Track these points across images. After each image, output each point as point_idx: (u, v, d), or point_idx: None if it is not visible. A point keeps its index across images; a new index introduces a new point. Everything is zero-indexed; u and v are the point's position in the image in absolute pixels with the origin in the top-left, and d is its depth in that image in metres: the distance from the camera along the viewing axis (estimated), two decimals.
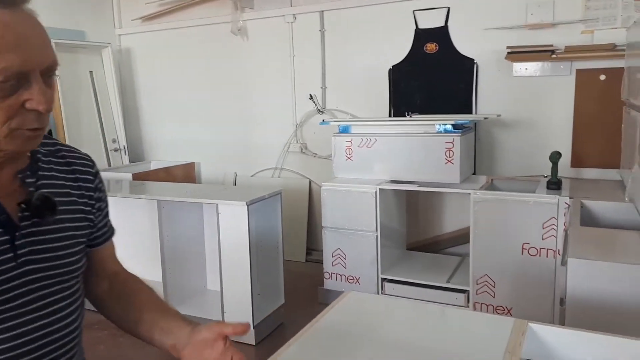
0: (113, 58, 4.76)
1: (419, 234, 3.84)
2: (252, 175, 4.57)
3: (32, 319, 0.83)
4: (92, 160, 1.00)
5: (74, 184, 0.94)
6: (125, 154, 4.85)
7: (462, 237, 3.55)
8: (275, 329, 3.15)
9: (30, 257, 0.83)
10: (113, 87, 4.77)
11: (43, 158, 0.90)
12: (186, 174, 4.62)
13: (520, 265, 2.75)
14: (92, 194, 0.96)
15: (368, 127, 3.35)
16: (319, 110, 4.16)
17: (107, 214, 1.03)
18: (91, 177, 0.97)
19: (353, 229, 3.27)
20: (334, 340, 1.24)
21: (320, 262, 3.51)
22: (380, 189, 3.16)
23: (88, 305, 1.00)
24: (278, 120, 4.35)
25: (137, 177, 4.04)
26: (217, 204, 2.92)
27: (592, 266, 1.71)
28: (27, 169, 0.87)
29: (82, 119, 4.55)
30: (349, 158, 3.37)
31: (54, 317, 0.87)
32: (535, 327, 1.27)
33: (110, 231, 1.06)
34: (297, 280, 3.79)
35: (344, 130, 3.39)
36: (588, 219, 2.43)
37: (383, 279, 3.25)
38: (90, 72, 4.67)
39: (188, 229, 3.42)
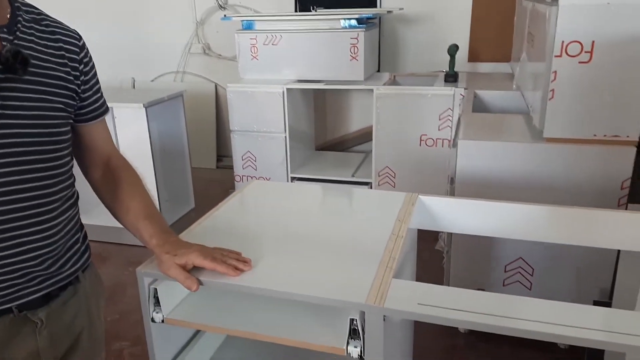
0: None
1: (327, 134, 3.90)
2: (152, 80, 4.31)
3: (6, 182, 0.83)
4: (79, 35, 0.97)
5: (55, 52, 0.91)
6: None
7: (367, 135, 3.65)
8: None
9: (2, 111, 0.81)
10: None
11: (25, 23, 0.88)
12: None
13: (418, 155, 2.92)
14: (76, 65, 0.94)
15: (273, 22, 3.21)
16: (220, 6, 3.91)
17: (97, 91, 1.01)
18: (76, 50, 0.95)
19: (262, 131, 3.25)
20: (238, 223, 1.25)
21: (232, 167, 3.49)
22: (287, 88, 3.12)
23: None
24: (177, 18, 4.04)
25: None
26: (111, 108, 2.74)
27: (480, 146, 1.85)
28: (5, 27, 0.85)
29: None
30: (254, 57, 3.25)
31: (29, 177, 0.86)
32: (424, 198, 1.36)
33: (102, 109, 1.03)
34: (208, 187, 3.76)
35: (248, 27, 3.23)
36: (480, 107, 2.59)
37: (293, 178, 3.32)
38: None
39: None
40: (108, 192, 1.05)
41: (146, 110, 2.70)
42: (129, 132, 2.78)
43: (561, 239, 1.25)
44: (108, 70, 4.38)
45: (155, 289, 1.02)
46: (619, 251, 1.50)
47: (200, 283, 0.96)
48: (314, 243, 1.13)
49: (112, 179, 1.05)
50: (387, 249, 1.09)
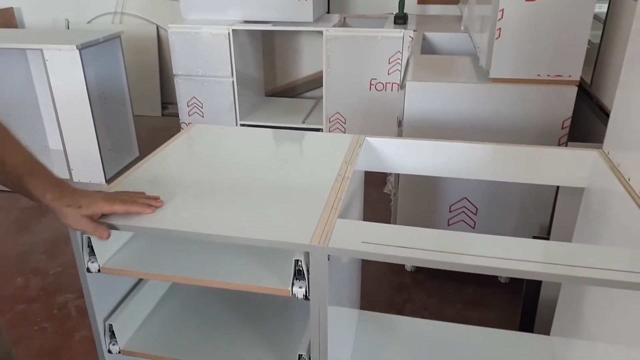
0: None
1: (277, 80, 3.80)
2: (87, 22, 4.01)
3: None
4: None
5: None
6: None
7: (317, 80, 3.58)
8: None
9: None
10: None
11: None
12: (4, 22, 3.90)
13: (368, 100, 2.89)
14: None
15: None
16: None
17: None
18: None
19: (207, 76, 3.12)
20: (178, 169, 1.20)
21: (178, 115, 3.36)
22: (233, 29, 2.98)
23: None
24: None
25: None
26: (41, 50, 2.53)
27: (427, 87, 1.83)
28: None
29: None
30: None
31: None
32: (371, 140, 1.34)
33: None
34: (153, 135, 3.62)
35: None
36: (428, 49, 2.56)
37: (242, 125, 3.23)
38: None
39: (15, 84, 2.99)
40: None
41: (80, 52, 2.51)
42: (63, 77, 2.59)
43: (504, 176, 1.28)
44: (38, 10, 4.05)
45: (89, 238, 0.97)
46: (557, 188, 1.55)
47: (114, 228, 0.92)
48: (257, 187, 1.10)
49: None
50: (333, 190, 1.07)
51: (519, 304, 1.73)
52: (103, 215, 0.92)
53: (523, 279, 1.69)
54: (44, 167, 0.91)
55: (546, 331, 1.46)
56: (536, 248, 0.88)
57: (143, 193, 0.99)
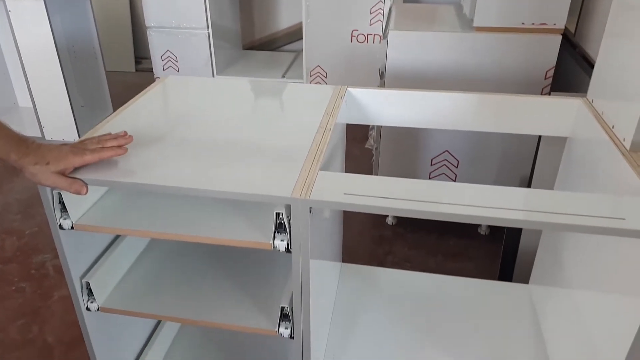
0: None
1: (255, 32, 3.68)
2: None
3: None
4: None
5: None
6: None
7: (297, 32, 3.48)
8: None
9: None
10: None
11: None
12: None
13: (349, 52, 2.82)
14: None
15: None
16: None
17: None
18: None
19: (182, 27, 2.99)
20: (152, 122, 1.15)
21: (152, 70, 3.24)
22: None
23: None
24: None
25: None
26: (3, 0, 2.38)
27: (410, 37, 1.78)
28: None
29: None
30: None
31: None
32: (353, 91, 1.30)
33: None
34: (127, 91, 3.45)
35: None
36: None
37: None
38: None
39: None
40: None
41: (45, 2, 2.38)
42: (29, 30, 2.46)
43: (487, 127, 1.26)
44: None
45: (60, 194, 0.93)
46: (539, 141, 1.55)
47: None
48: (236, 140, 1.06)
49: None
50: (315, 142, 1.04)
51: (499, 255, 1.75)
52: (75, 169, 0.88)
53: (503, 231, 1.71)
54: (4, 126, 0.85)
55: (524, 281, 1.49)
56: (518, 196, 0.87)
57: (109, 134, 0.96)
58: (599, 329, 0.97)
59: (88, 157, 0.88)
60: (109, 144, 0.92)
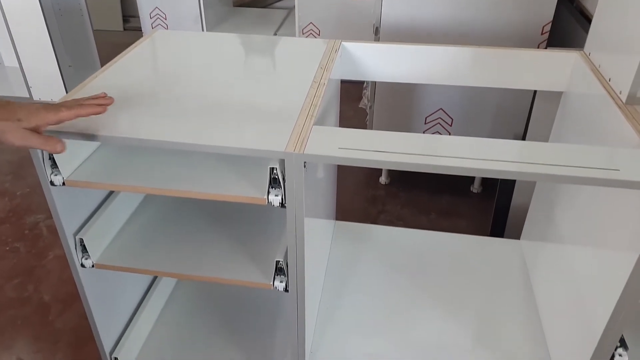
0: None
1: None
2: None
3: None
4: None
5: None
6: None
7: None
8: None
9: None
10: None
11: None
12: None
13: (343, 9, 2.76)
14: None
15: None
16: None
17: None
18: None
19: None
20: (142, 78, 1.12)
21: (141, 29, 3.16)
22: None
23: None
24: None
25: None
26: None
27: None
28: None
29: None
30: None
31: None
32: (347, 45, 1.28)
33: None
34: (116, 50, 3.38)
35: None
36: None
37: None
38: None
39: None
40: None
41: None
42: None
43: (483, 81, 1.24)
44: None
45: None
46: (533, 97, 1.54)
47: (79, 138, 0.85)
48: (229, 95, 1.04)
49: None
50: (309, 96, 1.02)
51: (491, 212, 1.77)
52: (60, 133, 0.85)
53: (495, 189, 1.72)
54: None
55: (516, 238, 1.51)
56: (513, 148, 0.86)
57: (84, 98, 0.92)
58: (588, 282, 0.99)
59: (64, 114, 0.82)
60: (87, 103, 0.87)
